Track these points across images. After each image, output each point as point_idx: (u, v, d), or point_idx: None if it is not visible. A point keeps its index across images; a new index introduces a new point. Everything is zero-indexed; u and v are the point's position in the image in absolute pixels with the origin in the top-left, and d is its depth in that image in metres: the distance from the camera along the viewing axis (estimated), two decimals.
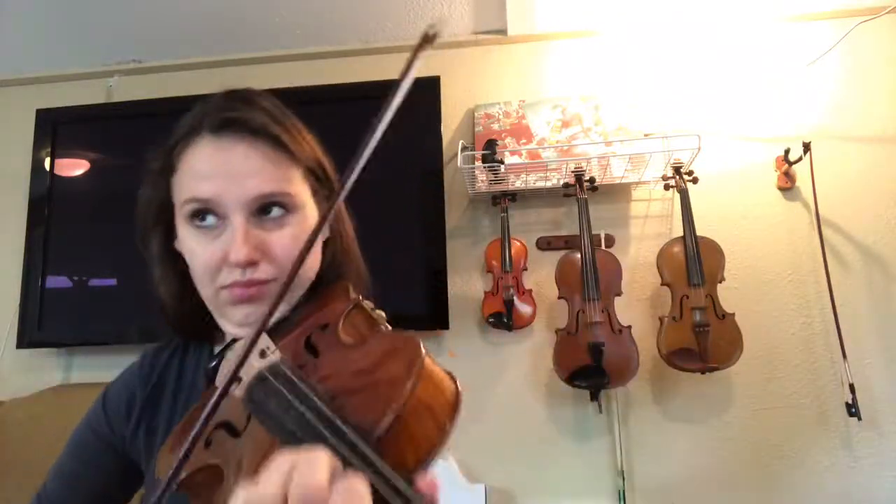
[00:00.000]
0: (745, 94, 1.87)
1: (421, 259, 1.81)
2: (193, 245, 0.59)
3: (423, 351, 0.40)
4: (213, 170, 0.58)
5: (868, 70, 1.84)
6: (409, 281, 1.80)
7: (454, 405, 0.39)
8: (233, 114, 0.59)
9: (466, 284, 1.87)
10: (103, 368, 1.92)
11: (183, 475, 0.44)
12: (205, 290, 0.61)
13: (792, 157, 1.74)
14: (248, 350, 0.40)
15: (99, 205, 2.01)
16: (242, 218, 0.57)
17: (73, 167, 2.04)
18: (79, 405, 0.79)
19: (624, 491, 1.66)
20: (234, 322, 0.59)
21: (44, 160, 2.03)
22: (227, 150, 0.58)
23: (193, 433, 0.37)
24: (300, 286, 0.62)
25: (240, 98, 0.62)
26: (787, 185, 1.80)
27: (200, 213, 0.59)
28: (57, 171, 2.03)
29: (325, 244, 0.68)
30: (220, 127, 0.59)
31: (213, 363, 0.56)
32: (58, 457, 0.75)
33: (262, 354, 0.47)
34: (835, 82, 1.85)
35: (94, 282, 1.98)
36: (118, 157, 2.04)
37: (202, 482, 0.46)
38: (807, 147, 1.71)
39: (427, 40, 0.35)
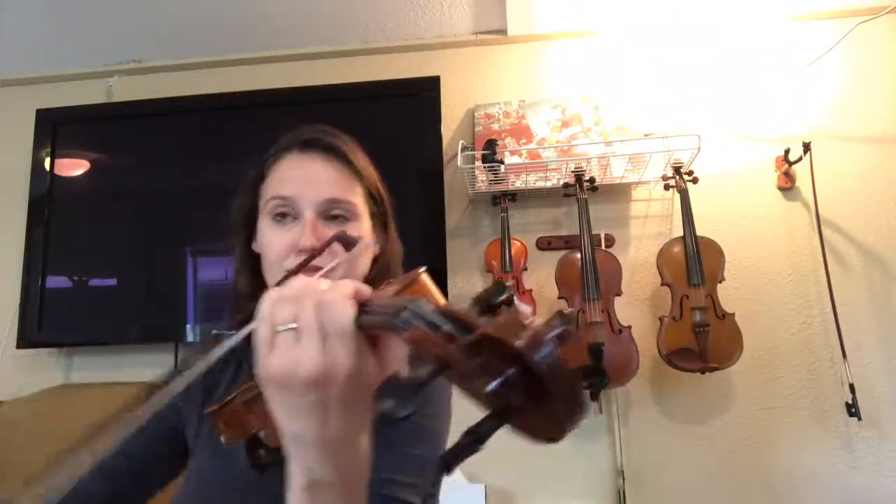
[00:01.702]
0: (745, 94, 1.87)
1: (421, 259, 1.80)
2: (271, 236, 0.73)
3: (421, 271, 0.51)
4: (295, 176, 0.74)
5: (868, 70, 1.84)
6: None
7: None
8: (316, 135, 0.76)
9: (466, 284, 1.87)
10: (103, 368, 1.92)
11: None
12: (273, 276, 0.72)
13: (792, 157, 1.74)
14: None
15: (99, 205, 2.01)
16: (313, 215, 0.71)
17: (73, 167, 2.04)
18: (79, 405, 0.80)
19: (624, 491, 1.66)
20: None
21: (44, 160, 2.02)
22: (308, 162, 0.75)
23: None
24: None
25: (322, 128, 0.78)
26: (787, 185, 1.80)
27: (280, 211, 0.72)
28: (57, 171, 2.02)
29: (375, 259, 0.80)
30: (304, 145, 0.75)
31: None
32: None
33: None
34: (835, 82, 1.85)
35: (94, 282, 1.98)
36: (118, 157, 2.04)
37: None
38: (807, 147, 1.71)
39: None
